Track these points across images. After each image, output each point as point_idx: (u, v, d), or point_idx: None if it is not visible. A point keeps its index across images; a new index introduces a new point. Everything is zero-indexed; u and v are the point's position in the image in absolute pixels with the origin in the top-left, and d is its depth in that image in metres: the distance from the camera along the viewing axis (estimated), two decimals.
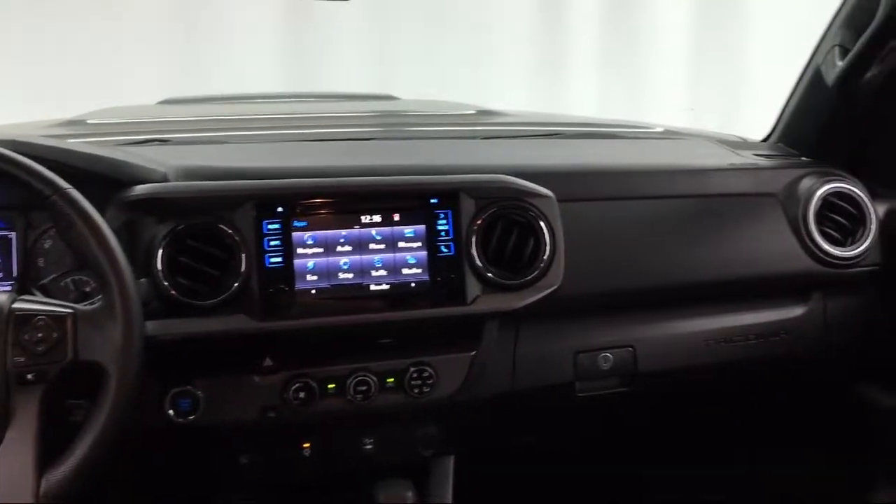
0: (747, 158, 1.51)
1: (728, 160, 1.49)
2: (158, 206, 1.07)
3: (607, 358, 1.32)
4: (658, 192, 1.35)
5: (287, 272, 1.09)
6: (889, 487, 1.55)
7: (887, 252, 1.40)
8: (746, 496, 1.72)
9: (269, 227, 1.09)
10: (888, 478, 1.56)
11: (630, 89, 3.79)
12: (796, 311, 1.42)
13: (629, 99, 3.78)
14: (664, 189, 1.36)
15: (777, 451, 1.69)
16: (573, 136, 1.70)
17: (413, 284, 1.14)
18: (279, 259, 1.09)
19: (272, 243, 1.09)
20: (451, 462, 1.32)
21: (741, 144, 1.63)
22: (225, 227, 1.06)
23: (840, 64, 1.39)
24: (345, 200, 1.14)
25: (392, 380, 1.16)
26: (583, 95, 3.72)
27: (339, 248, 1.12)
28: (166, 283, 1.03)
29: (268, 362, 1.12)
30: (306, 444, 1.21)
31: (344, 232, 1.13)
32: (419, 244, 1.15)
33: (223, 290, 1.05)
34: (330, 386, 1.14)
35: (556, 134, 1.67)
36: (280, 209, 1.10)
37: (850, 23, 1.40)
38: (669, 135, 1.79)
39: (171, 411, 1.08)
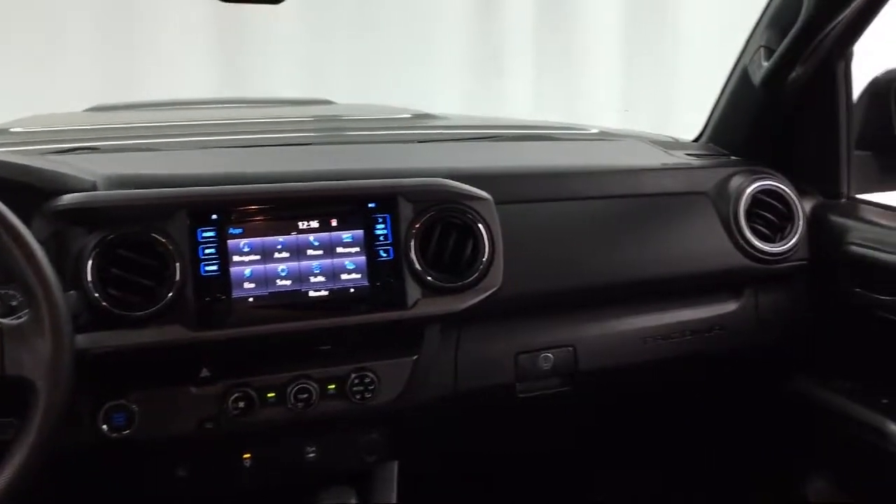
0: (680, 158, 1.53)
1: (661, 160, 1.51)
2: (87, 215, 1.04)
3: (548, 358, 1.33)
4: (594, 193, 1.37)
5: (223, 280, 1.07)
6: (822, 478, 1.60)
7: (814, 247, 1.45)
8: (688, 491, 1.76)
9: (204, 235, 1.07)
10: (821, 469, 1.61)
11: (566, 92, 3.83)
12: (730, 307, 1.45)
13: (565, 101, 3.82)
14: (600, 189, 1.38)
15: (717, 446, 1.73)
16: (510, 138, 1.71)
17: (352, 290, 1.13)
18: (214, 267, 1.07)
19: (207, 251, 1.07)
20: (394, 468, 1.31)
21: (673, 145, 1.66)
22: (157, 236, 1.04)
23: (766, 64, 1.43)
24: (281, 206, 1.12)
25: (333, 386, 1.15)
26: (519, 99, 3.75)
27: (276, 255, 1.10)
28: (97, 295, 1.00)
29: (205, 373, 1.10)
30: (246, 455, 1.19)
31: (281, 238, 1.11)
32: (357, 249, 1.14)
33: (156, 300, 1.02)
34: (270, 395, 1.12)
35: (493, 137, 1.68)
36: (214, 217, 1.08)
37: (774, 24, 1.44)
38: (604, 136, 1.81)
39: (104, 426, 1.05)
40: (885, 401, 1.38)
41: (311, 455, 1.21)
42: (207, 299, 1.06)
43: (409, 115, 1.94)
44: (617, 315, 1.40)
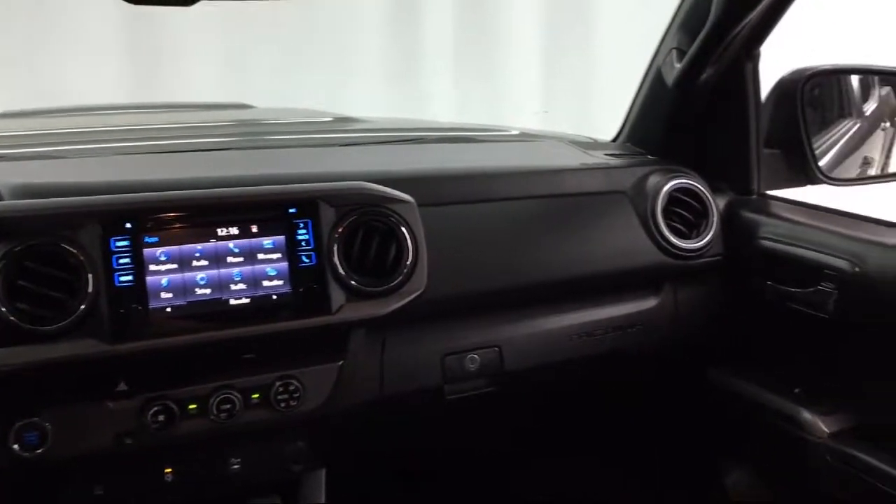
0: (598, 158, 1.56)
1: (580, 160, 1.54)
2: None
3: (474, 359, 1.33)
4: (515, 194, 1.38)
5: (139, 291, 1.04)
6: (740, 466, 1.65)
7: (728, 243, 1.49)
8: (614, 484, 1.79)
9: (118, 244, 1.03)
10: (739, 457, 1.66)
11: (487, 94, 3.86)
12: (650, 303, 1.48)
13: (487, 104, 3.85)
14: (521, 190, 1.39)
15: (641, 439, 1.76)
16: (432, 141, 1.71)
17: (275, 297, 1.11)
18: (129, 278, 1.03)
19: (121, 261, 1.03)
20: (322, 475, 1.30)
21: (592, 145, 1.69)
22: (67, 247, 0.99)
23: (678, 66, 1.47)
24: (198, 213, 1.09)
25: (257, 396, 1.12)
26: (442, 102, 3.77)
27: (194, 263, 1.07)
28: (4, 310, 0.95)
29: (122, 386, 1.06)
30: (168, 469, 1.15)
31: (199, 246, 1.08)
32: (279, 255, 1.12)
33: (68, 313, 0.98)
34: (191, 407, 1.09)
35: (415, 139, 1.68)
36: (128, 225, 1.04)
37: (685, 26, 1.48)
38: (525, 137, 1.83)
39: (15, 446, 1.00)
40: (797, 390, 1.43)
41: (236, 467, 1.19)
42: (122, 311, 1.02)
43: (330, 119, 1.92)
44: (541, 314, 1.41)
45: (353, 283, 1.13)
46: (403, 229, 1.17)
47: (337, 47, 3.50)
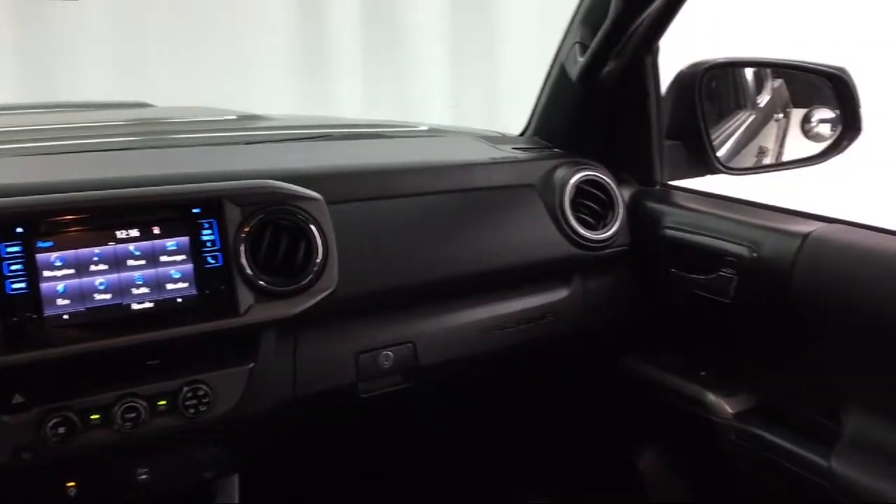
0: (507, 152, 1.58)
1: (489, 154, 1.55)
2: None
3: (388, 356, 1.32)
4: (425, 189, 1.38)
5: (33, 298, 0.99)
6: (652, 450, 1.70)
7: (634, 233, 1.52)
8: (533, 472, 1.81)
9: (8, 250, 0.98)
10: (651, 441, 1.71)
11: (396, 90, 3.85)
12: (560, 294, 1.50)
13: (395, 100, 3.84)
14: (430, 185, 1.39)
15: (558, 427, 1.79)
16: (340, 137, 1.69)
17: (179, 300, 1.07)
18: (22, 285, 0.99)
19: (13, 268, 0.98)
20: (235, 481, 1.27)
21: (500, 139, 1.70)
22: None
23: (581, 60, 1.49)
24: (95, 216, 1.05)
25: (164, 402, 1.09)
26: (350, 98, 3.74)
27: (92, 268, 1.03)
28: None
29: (17, 399, 1.01)
30: (71, 484, 1.10)
31: (98, 250, 1.04)
32: (183, 257, 1.08)
33: None
34: (93, 417, 1.05)
35: (322, 136, 1.66)
36: (19, 230, 0.99)
37: (587, 21, 1.51)
38: (434, 133, 1.84)
39: None
40: (703, 373, 1.48)
41: (144, 476, 1.15)
42: (15, 319, 0.97)
43: (234, 117, 1.88)
44: (454, 309, 1.41)
45: (261, 283, 1.11)
46: (312, 227, 1.15)
47: (242, 46, 3.43)
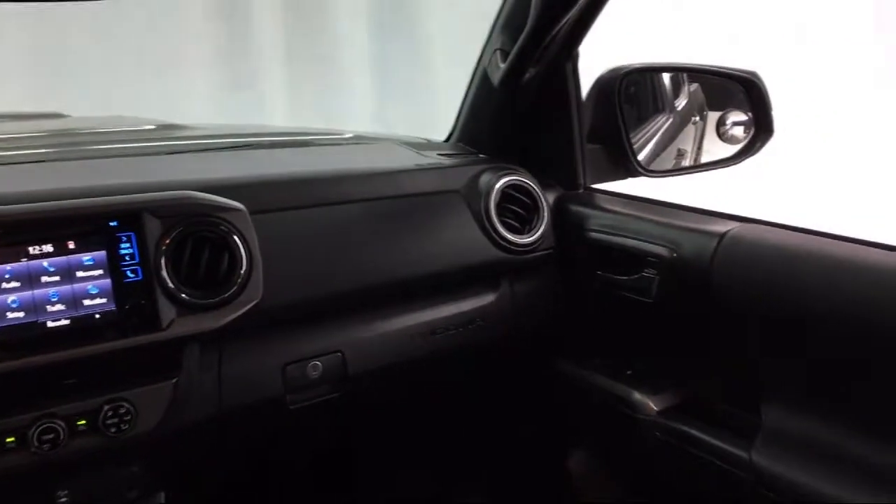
0: (432, 159, 1.58)
1: (414, 161, 1.55)
2: None
3: (317, 366, 1.31)
4: (350, 197, 1.37)
5: None
6: (582, 450, 1.72)
7: (559, 236, 1.55)
8: (466, 476, 1.82)
9: None
10: (582, 441, 1.73)
11: (322, 98, 3.82)
12: (489, 298, 1.51)
13: (321, 108, 3.82)
14: (356, 193, 1.38)
15: (490, 430, 1.80)
16: (263, 146, 1.67)
17: (98, 316, 1.05)
18: None
19: None
20: (160, 500, 1.24)
21: (425, 146, 1.71)
22: None
23: (502, 66, 1.50)
24: (6, 231, 1.01)
25: (84, 422, 1.05)
26: (274, 106, 3.70)
27: (3, 286, 1.00)
28: None
29: None
30: None
31: (8, 266, 1.00)
32: (101, 272, 1.05)
33: None
34: (9, 440, 1.01)
35: (245, 145, 1.63)
36: None
37: (507, 27, 1.52)
38: (359, 140, 1.83)
39: None
40: (629, 372, 1.51)
41: (64, 499, 1.11)
42: None
43: (153, 127, 1.83)
44: (383, 316, 1.41)
45: (183, 296, 1.09)
46: (235, 238, 1.13)
47: (159, 54, 3.35)
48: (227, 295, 1.12)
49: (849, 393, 1.14)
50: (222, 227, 1.13)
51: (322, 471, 1.73)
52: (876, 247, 1.16)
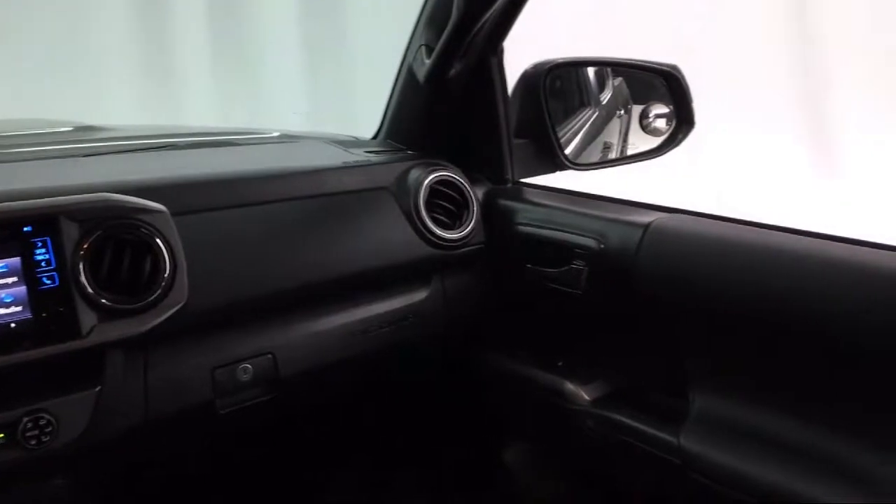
0: (360, 156, 1.57)
1: (342, 159, 1.54)
2: None
3: (247, 369, 1.29)
4: (277, 196, 1.35)
5: None
6: (518, 445, 1.74)
7: (489, 230, 1.55)
8: (404, 473, 1.81)
9: None
10: (517, 433, 1.74)
11: (247, 96, 3.77)
12: (421, 295, 1.51)
13: (247, 106, 3.76)
14: (283, 192, 1.36)
15: (427, 426, 1.80)
16: (186, 146, 1.63)
17: (13, 325, 1.01)
18: None
19: None
20: None
21: (353, 143, 1.69)
22: None
23: (427, 62, 1.50)
24: None
25: (2, 435, 1.02)
26: (199, 106, 3.63)
27: None
28: None
29: None
30: None
31: None
32: (15, 279, 1.02)
33: None
34: None
35: (167, 146, 1.59)
36: None
37: (431, 23, 1.52)
38: (285, 139, 1.80)
39: None
40: (560, 363, 1.53)
41: None
42: None
43: (69, 128, 1.77)
44: (314, 316, 1.39)
45: (104, 302, 1.06)
46: (158, 241, 1.10)
47: (77, 54, 3.25)
48: (150, 299, 1.09)
49: (770, 377, 1.18)
50: (143, 230, 1.10)
51: (256, 475, 1.70)
52: (797, 234, 1.20)
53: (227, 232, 1.27)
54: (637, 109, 1.72)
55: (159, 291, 1.10)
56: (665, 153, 1.70)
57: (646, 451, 1.32)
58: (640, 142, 1.72)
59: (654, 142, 1.70)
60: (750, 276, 1.17)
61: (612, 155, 1.76)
